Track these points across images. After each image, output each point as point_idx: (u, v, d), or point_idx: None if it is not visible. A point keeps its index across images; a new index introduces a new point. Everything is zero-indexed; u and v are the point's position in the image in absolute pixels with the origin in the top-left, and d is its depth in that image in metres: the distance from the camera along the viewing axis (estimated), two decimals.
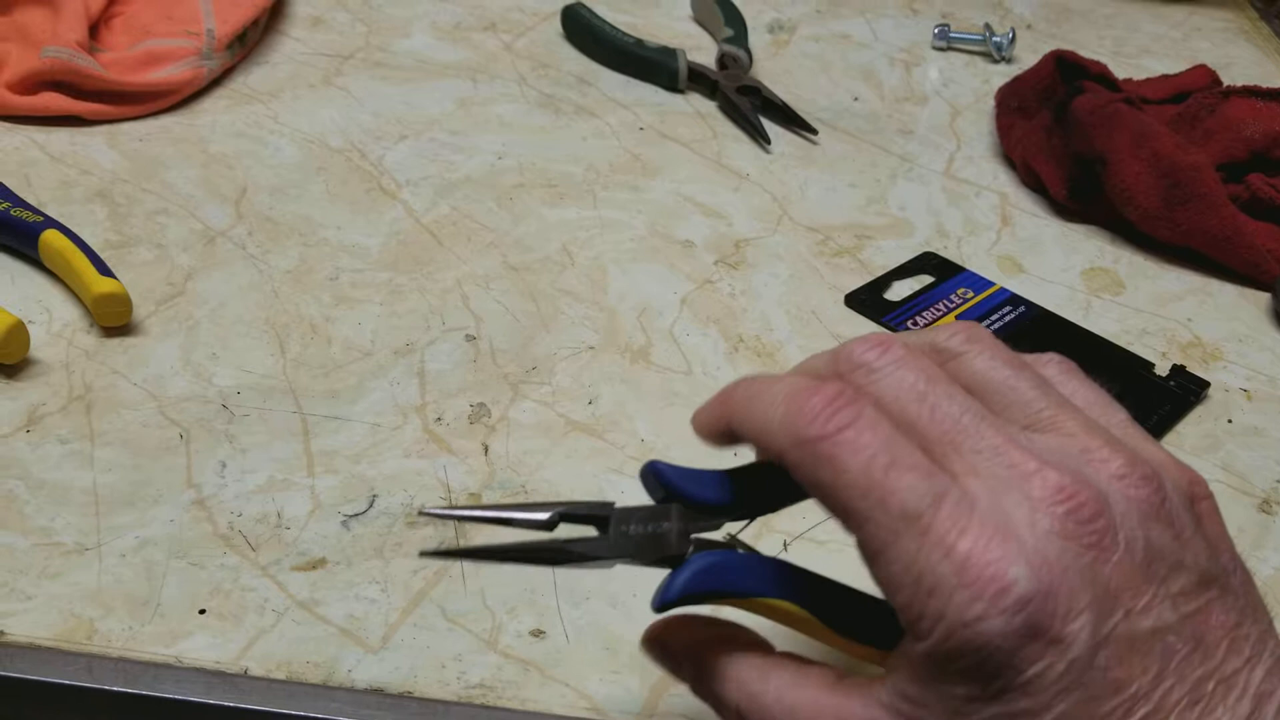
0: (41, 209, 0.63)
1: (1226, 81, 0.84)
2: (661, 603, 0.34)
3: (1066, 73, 0.80)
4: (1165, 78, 0.85)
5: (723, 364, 0.61)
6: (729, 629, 0.37)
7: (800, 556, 0.50)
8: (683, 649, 0.36)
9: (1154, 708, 0.29)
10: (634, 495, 0.53)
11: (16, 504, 0.49)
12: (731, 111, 0.83)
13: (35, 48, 0.73)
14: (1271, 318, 0.69)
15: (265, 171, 0.71)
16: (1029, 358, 0.36)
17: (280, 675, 0.44)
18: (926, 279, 0.69)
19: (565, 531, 0.36)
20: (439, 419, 0.56)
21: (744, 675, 0.34)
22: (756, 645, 0.36)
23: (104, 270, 0.58)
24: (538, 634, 0.46)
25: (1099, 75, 0.79)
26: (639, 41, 0.86)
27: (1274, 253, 0.70)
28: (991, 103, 0.86)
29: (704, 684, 0.35)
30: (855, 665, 0.35)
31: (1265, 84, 0.79)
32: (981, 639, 0.28)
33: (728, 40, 0.88)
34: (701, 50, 0.90)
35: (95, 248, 0.61)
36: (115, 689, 0.43)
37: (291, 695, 0.43)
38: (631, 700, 0.44)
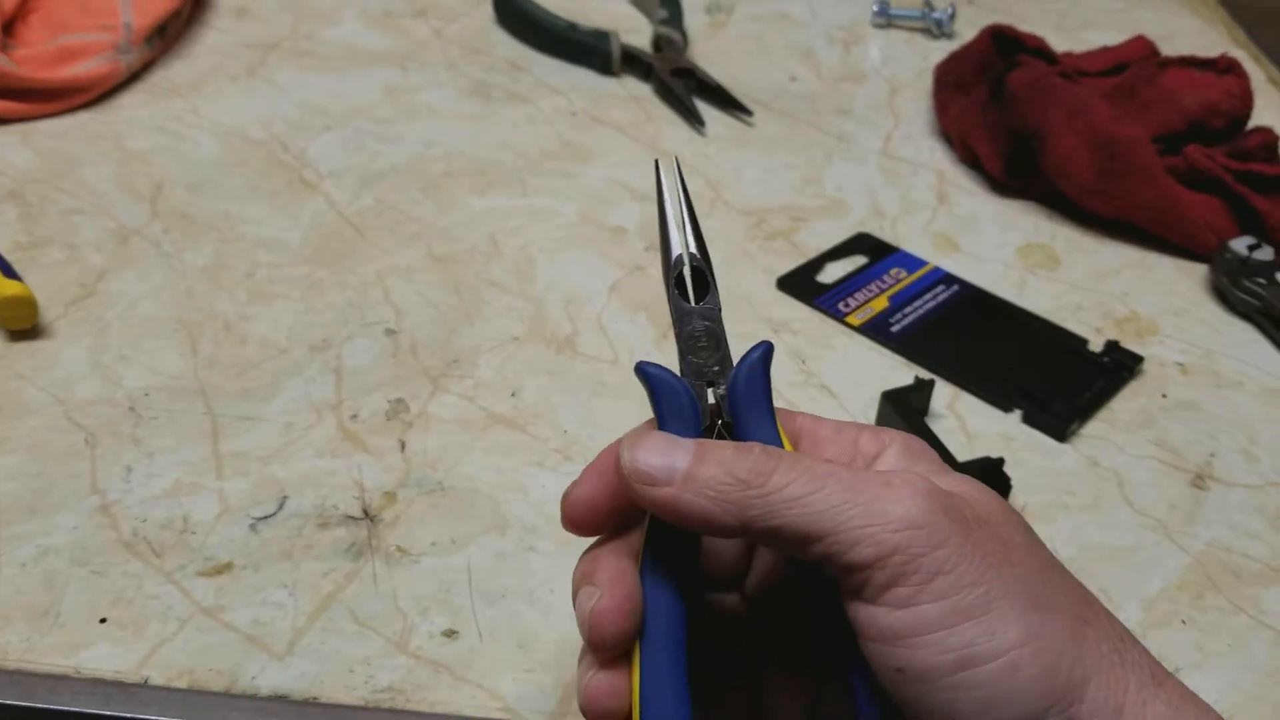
0: None
1: (1170, 52, 0.83)
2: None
3: (1003, 47, 0.79)
4: (1105, 50, 0.84)
5: (651, 352, 0.60)
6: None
7: None
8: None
9: None
10: (554, 489, 0.52)
11: None
12: (666, 94, 0.82)
13: None
14: (1209, 290, 0.68)
15: (183, 167, 0.70)
16: None
17: (181, 684, 0.43)
18: (860, 260, 0.68)
19: None
20: (354, 416, 0.54)
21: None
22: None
23: (8, 273, 0.57)
24: (450, 634, 0.45)
25: (1036, 49, 0.78)
26: (572, 25, 0.85)
27: (1211, 224, 0.69)
28: (930, 80, 0.85)
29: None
30: None
31: (1208, 54, 0.78)
32: None
33: (663, 22, 0.87)
34: (637, 33, 0.89)
35: (4, 250, 0.60)
36: (10, 702, 0.42)
37: (192, 704, 0.42)
38: (544, 699, 0.43)
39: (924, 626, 0.29)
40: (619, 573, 0.34)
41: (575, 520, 0.35)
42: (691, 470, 0.32)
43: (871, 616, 0.30)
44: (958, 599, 0.29)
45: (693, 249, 0.37)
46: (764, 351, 0.35)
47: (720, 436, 0.35)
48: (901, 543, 0.30)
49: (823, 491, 0.31)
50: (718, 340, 0.36)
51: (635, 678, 0.33)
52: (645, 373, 0.35)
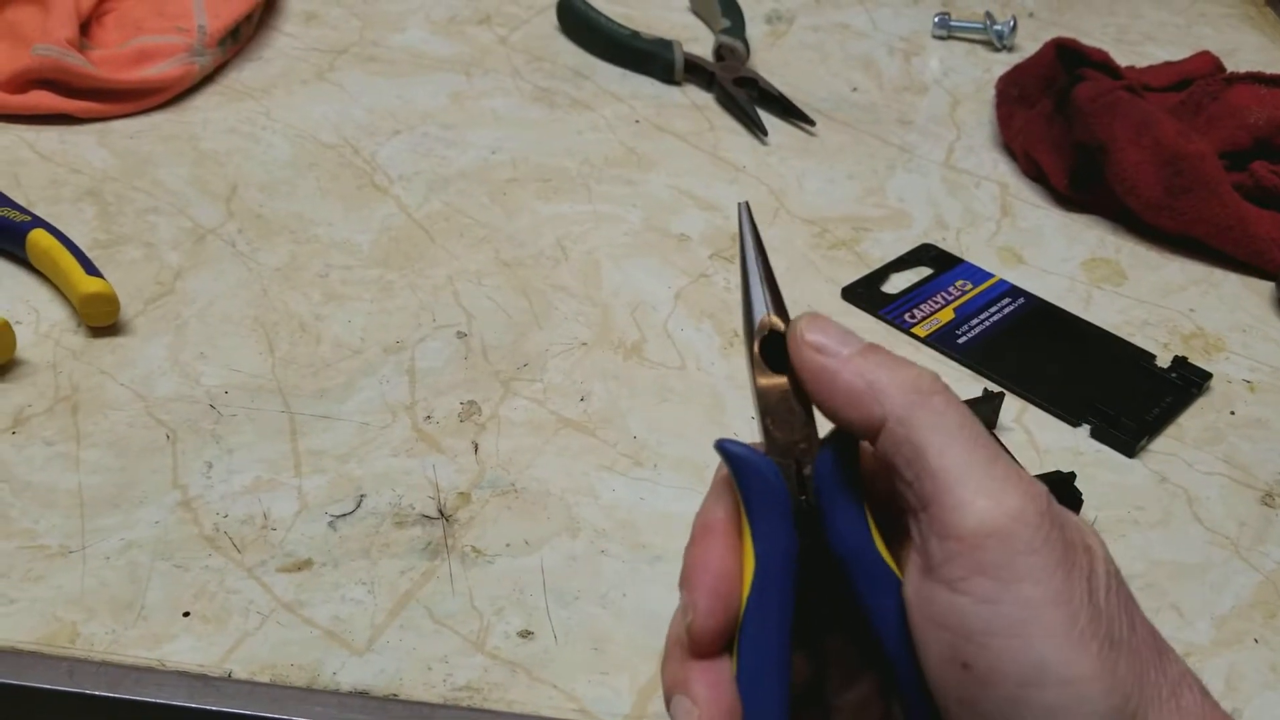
0: (30, 208, 0.63)
1: (1230, 68, 0.83)
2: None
3: (1067, 60, 0.79)
4: (1168, 64, 0.84)
5: (717, 359, 0.60)
6: None
7: None
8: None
9: None
10: (624, 493, 0.52)
11: (1, 507, 0.49)
12: (728, 103, 0.82)
13: (25, 46, 0.73)
14: (1275, 308, 0.68)
15: (256, 168, 0.71)
16: None
17: (264, 678, 0.43)
18: (925, 271, 0.68)
19: None
20: (429, 417, 0.55)
21: None
22: None
23: (91, 270, 0.58)
24: (526, 635, 0.46)
25: (1100, 63, 0.78)
26: (635, 33, 0.85)
27: (1278, 241, 0.69)
28: (992, 92, 0.85)
29: None
30: None
31: (1270, 70, 0.78)
32: None
33: (725, 31, 0.87)
34: (698, 42, 0.89)
35: (84, 247, 0.61)
36: (97, 693, 0.43)
37: (275, 699, 0.43)
38: (619, 702, 0.44)
39: (1003, 629, 0.29)
40: (717, 686, 0.32)
41: (705, 647, 0.33)
42: (865, 352, 0.32)
43: (950, 604, 0.30)
44: (1040, 612, 0.29)
45: (771, 311, 0.34)
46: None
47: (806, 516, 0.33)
48: (1004, 529, 0.29)
49: (963, 447, 0.31)
50: (803, 414, 0.34)
51: None
52: (727, 452, 0.32)
